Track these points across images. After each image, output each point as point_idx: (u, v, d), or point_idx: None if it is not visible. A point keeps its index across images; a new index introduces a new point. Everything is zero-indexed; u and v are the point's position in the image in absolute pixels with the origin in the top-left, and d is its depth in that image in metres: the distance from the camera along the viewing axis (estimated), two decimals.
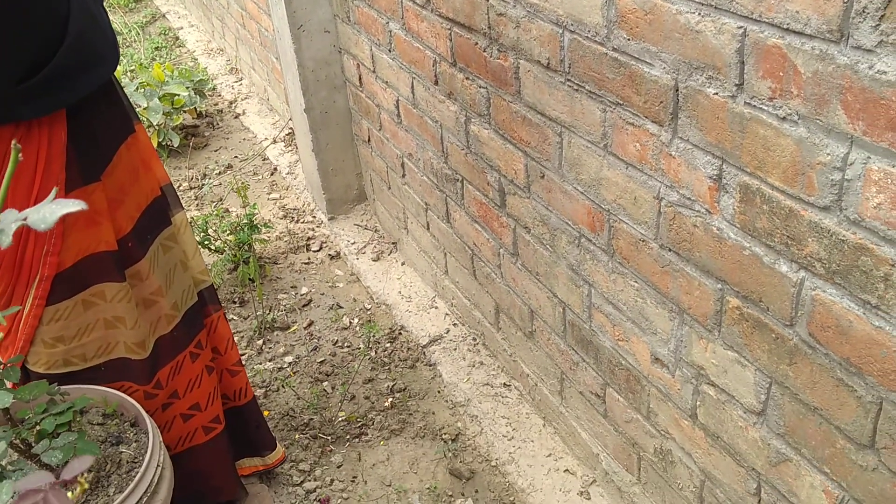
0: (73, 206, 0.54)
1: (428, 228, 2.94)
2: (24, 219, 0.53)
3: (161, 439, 1.76)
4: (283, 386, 2.76)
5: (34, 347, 1.67)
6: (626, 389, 1.97)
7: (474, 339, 2.86)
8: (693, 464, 1.79)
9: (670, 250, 1.60)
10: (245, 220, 3.21)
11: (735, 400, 1.57)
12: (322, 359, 2.90)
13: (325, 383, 2.80)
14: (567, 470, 2.37)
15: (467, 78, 2.19)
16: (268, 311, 3.14)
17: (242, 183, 3.63)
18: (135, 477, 1.63)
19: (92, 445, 1.43)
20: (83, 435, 1.43)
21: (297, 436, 2.58)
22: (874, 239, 1.13)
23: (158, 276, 1.85)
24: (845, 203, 1.15)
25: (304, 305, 3.20)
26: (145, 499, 1.62)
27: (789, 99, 1.19)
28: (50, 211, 0.52)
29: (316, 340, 3.00)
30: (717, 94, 1.32)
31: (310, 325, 3.09)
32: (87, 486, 0.70)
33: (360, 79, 3.09)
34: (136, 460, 1.71)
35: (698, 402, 1.69)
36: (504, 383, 2.68)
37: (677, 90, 1.41)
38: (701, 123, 1.38)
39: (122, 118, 1.72)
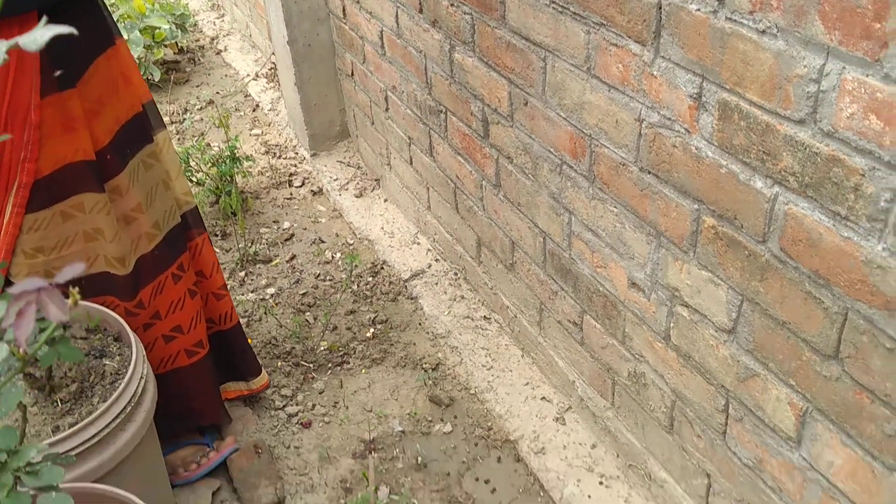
0: (64, 29, 0.54)
1: (411, 163, 2.95)
2: (16, 43, 0.54)
3: (144, 353, 1.78)
4: (265, 315, 2.79)
5: (15, 258, 1.68)
6: (603, 316, 2.01)
7: (456, 274, 2.90)
8: (665, 385, 1.84)
9: (649, 173, 1.63)
10: (227, 153, 3.19)
11: (707, 319, 1.61)
12: (304, 291, 2.93)
13: (308, 314, 2.83)
14: (544, 397, 2.42)
15: (452, 4, 2.18)
16: (250, 244, 3.15)
17: (225, 112, 3.60)
18: (118, 387, 1.65)
19: (75, 350, 1.45)
20: (66, 341, 1.45)
21: (279, 363, 2.61)
22: (846, 150, 1.16)
23: (138, 193, 1.85)
24: (820, 115, 1.18)
25: (286, 240, 3.21)
26: (129, 408, 1.65)
27: (769, 12, 1.20)
28: (41, 34, 0.53)
29: (298, 273, 3.02)
30: (699, 9, 1.33)
31: (292, 258, 3.11)
32: (78, 297, 0.70)
33: (343, 10, 3.06)
34: (119, 373, 1.74)
35: (672, 324, 1.74)
36: (484, 316, 2.72)
37: (660, 8, 1.42)
38: (683, 41, 1.40)
39: (102, 30, 1.71)
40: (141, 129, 1.84)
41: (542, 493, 2.17)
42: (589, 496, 2.12)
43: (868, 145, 1.12)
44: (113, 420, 1.61)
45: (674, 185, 1.56)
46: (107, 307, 1.82)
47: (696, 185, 1.50)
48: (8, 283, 1.75)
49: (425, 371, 2.57)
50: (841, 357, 1.30)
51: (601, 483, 2.14)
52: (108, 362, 1.76)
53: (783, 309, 1.39)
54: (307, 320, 2.80)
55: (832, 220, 1.22)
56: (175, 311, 2.03)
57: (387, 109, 2.98)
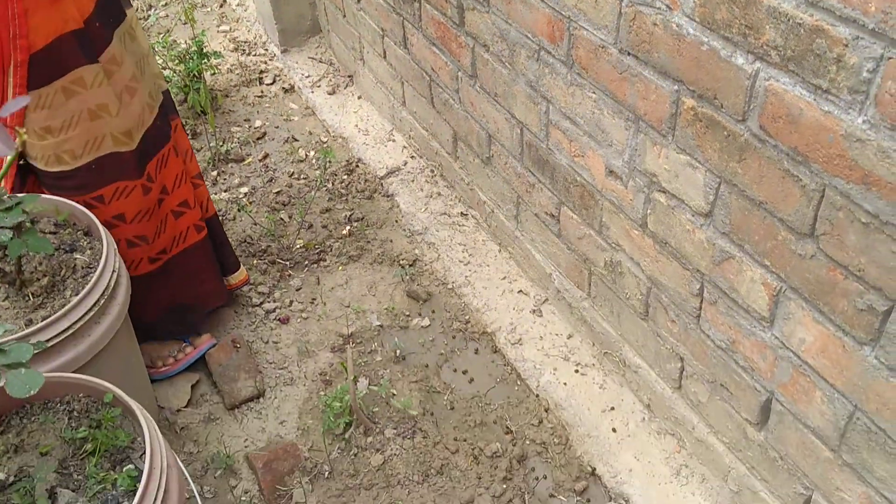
0: None
1: (385, 57, 2.86)
2: None
3: (116, 247, 1.76)
4: (239, 213, 2.76)
5: (29, 139, 1.68)
6: (581, 206, 2.00)
7: (432, 171, 2.86)
8: (641, 272, 1.85)
9: (629, 54, 1.58)
10: (194, 48, 3.08)
11: (684, 204, 1.60)
12: (278, 189, 2.89)
13: (282, 213, 2.79)
14: (521, 291, 2.44)
15: None
16: (221, 144, 3.08)
17: (189, 6, 3.46)
18: (91, 280, 1.63)
19: (44, 241, 1.42)
20: (34, 231, 1.41)
21: (255, 261, 2.60)
22: (830, 19, 1.12)
23: (131, 63, 1.84)
24: None
25: (258, 138, 3.14)
26: (103, 301, 1.63)
27: None
28: None
29: (271, 172, 2.97)
30: None
31: (265, 157, 3.05)
32: (25, 136, 0.67)
33: None
34: (90, 266, 1.71)
35: (649, 211, 1.73)
36: (461, 212, 2.71)
37: None
38: None
39: None
40: (116, 2, 1.82)
41: (518, 382, 2.21)
42: (565, 383, 2.16)
43: (853, 13, 1.09)
44: (87, 313, 1.60)
45: (654, 66, 1.52)
46: (120, 193, 1.84)
47: (677, 65, 1.46)
48: (27, 166, 1.77)
49: (402, 267, 2.56)
50: (816, 235, 1.30)
51: (577, 371, 2.18)
52: (78, 256, 1.73)
53: (760, 189, 1.38)
54: (282, 219, 2.77)
55: (813, 94, 1.20)
56: (180, 186, 2.05)
57: (359, 0, 2.87)
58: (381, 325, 2.39)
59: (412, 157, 2.94)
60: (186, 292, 2.16)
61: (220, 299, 2.32)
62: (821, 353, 1.40)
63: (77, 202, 1.79)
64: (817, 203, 1.27)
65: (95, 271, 1.65)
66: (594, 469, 1.98)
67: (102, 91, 1.73)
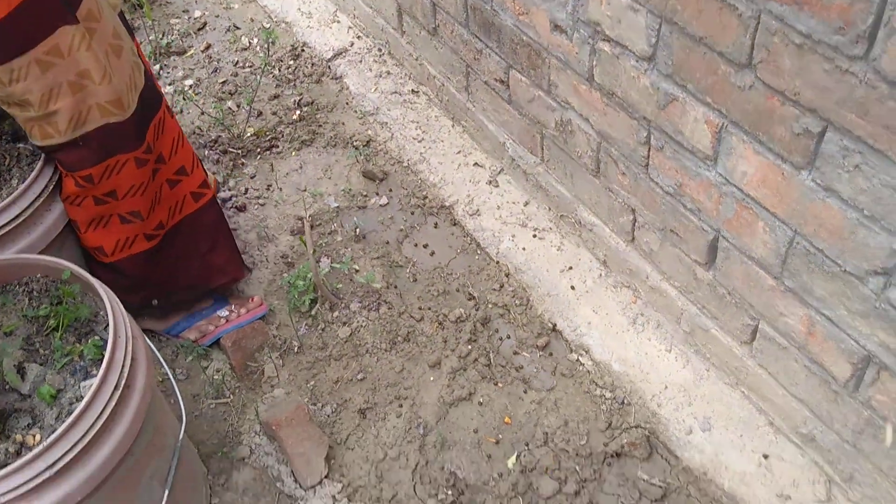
0: None
1: None
2: None
3: None
4: (186, 103, 2.70)
5: (10, 109, 1.51)
6: (528, 67, 2.00)
7: (379, 50, 2.81)
8: (590, 128, 1.87)
9: None
10: None
11: (628, 51, 1.61)
12: (224, 79, 2.82)
13: (230, 102, 2.74)
14: (476, 163, 2.45)
15: None
16: (161, 37, 2.98)
17: None
18: (36, 167, 1.61)
19: None
20: None
21: (206, 152, 2.56)
22: None
23: (109, 15, 1.60)
24: None
25: (199, 29, 3.05)
26: (52, 186, 1.62)
27: None
28: None
29: (215, 63, 2.90)
30: None
31: (207, 48, 2.96)
32: None
33: None
34: (35, 154, 1.68)
35: (595, 63, 1.73)
36: (412, 90, 2.68)
37: None
38: None
39: None
40: None
41: (478, 251, 2.26)
42: (524, 248, 2.20)
43: None
44: (37, 198, 1.58)
45: None
46: (118, 166, 1.64)
47: None
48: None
49: (356, 149, 2.55)
50: (754, 64, 1.32)
51: (535, 236, 2.23)
52: (22, 145, 1.70)
53: (700, 24, 1.39)
54: (230, 108, 2.72)
55: None
56: (177, 151, 1.83)
57: None
58: (338, 207, 2.40)
59: (358, 37, 2.88)
60: (195, 268, 1.96)
61: (237, 273, 2.08)
62: (762, 184, 1.44)
63: (67, 180, 1.63)
64: (754, 30, 1.28)
65: (40, 158, 1.62)
66: (555, 325, 2.05)
67: (83, 56, 1.50)
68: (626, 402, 1.87)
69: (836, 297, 1.40)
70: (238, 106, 2.72)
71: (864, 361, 1.42)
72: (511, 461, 1.82)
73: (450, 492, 1.77)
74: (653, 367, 1.91)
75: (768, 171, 1.41)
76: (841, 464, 1.60)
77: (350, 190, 2.44)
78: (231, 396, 1.92)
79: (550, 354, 2.02)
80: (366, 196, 2.43)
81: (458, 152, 2.49)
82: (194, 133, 2.62)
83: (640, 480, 1.78)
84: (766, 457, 1.72)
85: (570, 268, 2.13)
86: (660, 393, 1.86)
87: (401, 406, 1.91)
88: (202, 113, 2.67)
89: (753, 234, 1.52)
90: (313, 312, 2.07)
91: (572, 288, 2.09)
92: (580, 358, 1.98)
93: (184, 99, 2.69)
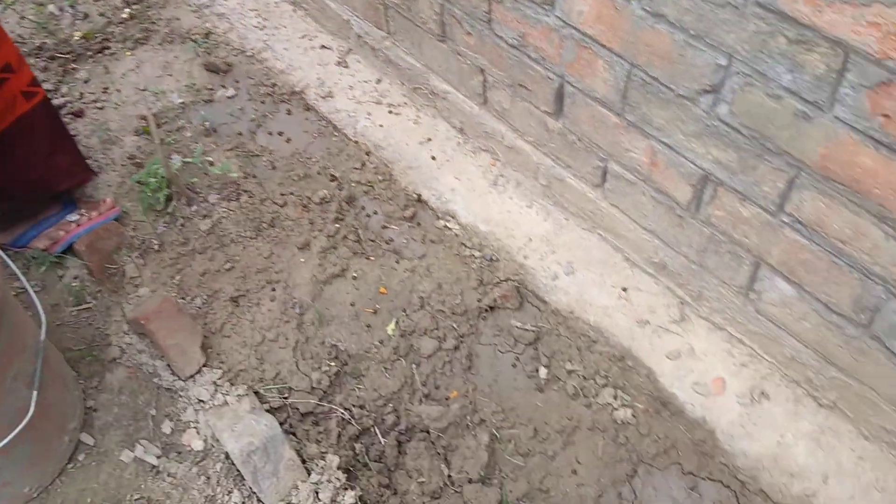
0: None
1: None
2: None
3: None
4: (3, 11, 2.47)
5: None
6: None
7: None
8: None
9: None
10: None
11: None
12: None
13: (50, 6, 2.53)
14: (323, 46, 2.39)
15: None
16: None
17: None
18: None
19: None
20: None
21: (32, 60, 2.37)
22: None
23: None
24: None
25: None
26: None
27: None
28: None
29: None
30: None
31: None
32: None
33: None
34: None
35: None
36: None
37: None
38: None
39: None
40: None
41: (336, 133, 2.23)
42: (381, 125, 2.19)
43: None
44: None
45: None
46: None
47: None
48: None
49: (195, 42, 2.43)
50: None
51: (391, 112, 2.22)
52: None
53: None
54: (52, 13, 2.51)
55: None
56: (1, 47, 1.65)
57: None
58: (184, 103, 2.29)
59: None
60: (35, 171, 1.82)
61: (83, 176, 1.98)
62: (597, 20, 1.48)
63: None
64: None
65: None
66: (420, 196, 2.07)
67: None
68: (494, 258, 1.94)
69: (673, 123, 1.48)
70: (60, 10, 2.51)
71: (701, 181, 1.52)
72: (390, 328, 1.86)
73: (332, 363, 1.80)
74: (516, 223, 1.97)
75: (601, 5, 1.45)
76: (690, 284, 1.73)
77: (194, 85, 2.33)
78: (93, 301, 1.84)
79: (418, 224, 2.05)
80: (211, 89, 2.33)
81: (303, 36, 2.42)
82: (16, 42, 2.39)
83: (513, 328, 1.86)
84: (624, 289, 1.83)
85: (429, 139, 2.15)
86: (525, 246, 1.93)
87: (273, 290, 1.90)
88: (22, 18, 2.45)
89: (594, 73, 1.58)
90: (170, 209, 2.00)
91: (433, 158, 2.11)
92: (447, 224, 2.02)
93: (4, 10, 2.46)
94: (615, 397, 1.73)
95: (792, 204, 1.37)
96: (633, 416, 1.70)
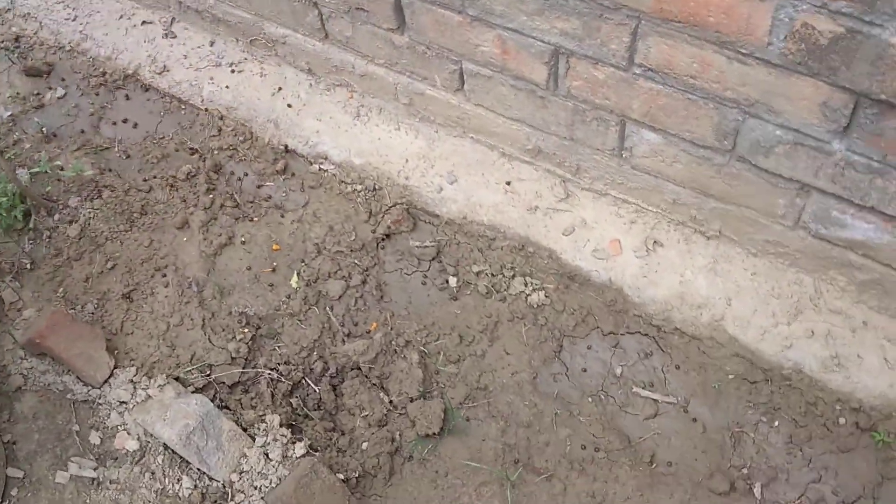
0: None
1: None
2: None
3: None
4: None
5: None
6: None
7: None
8: None
9: None
10: None
11: None
12: None
13: None
14: (144, 21, 2.27)
15: None
16: None
17: None
18: None
19: None
20: None
21: None
22: None
23: None
24: None
25: None
26: None
27: None
28: None
29: None
30: None
31: None
32: None
33: None
34: None
35: None
36: None
37: None
38: None
39: None
40: None
41: (183, 106, 2.14)
42: (227, 87, 2.12)
43: None
44: None
45: None
46: None
47: None
48: None
49: (7, 50, 2.26)
50: None
51: (234, 71, 2.15)
52: None
53: None
54: None
55: None
56: None
57: None
58: (13, 115, 2.14)
59: None
60: None
61: None
62: None
63: None
64: None
65: None
66: (286, 146, 2.03)
67: None
68: (377, 187, 1.94)
69: (513, 6, 1.50)
70: None
71: (553, 56, 1.56)
72: (293, 281, 1.85)
73: (246, 330, 1.77)
74: (389, 148, 1.98)
75: None
76: (567, 161, 1.80)
77: (18, 94, 2.18)
78: None
79: (292, 174, 2.02)
80: (38, 94, 2.19)
81: (121, 17, 2.30)
82: None
83: (414, 248, 1.88)
84: (508, 183, 1.88)
85: (280, 88, 2.10)
86: (403, 168, 1.95)
87: (164, 276, 1.84)
88: None
89: None
90: (31, 224, 1.89)
91: (289, 106, 2.07)
92: (321, 166, 2.00)
93: None
94: (526, 284, 1.79)
95: (640, 55, 1.44)
96: (546, 296, 1.77)
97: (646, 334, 1.72)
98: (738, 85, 1.36)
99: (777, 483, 1.55)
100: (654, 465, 1.60)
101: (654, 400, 1.66)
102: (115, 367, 1.67)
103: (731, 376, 1.64)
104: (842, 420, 1.56)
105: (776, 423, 1.59)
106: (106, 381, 1.65)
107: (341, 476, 1.61)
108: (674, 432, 1.63)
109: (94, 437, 1.61)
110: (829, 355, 1.59)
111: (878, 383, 1.55)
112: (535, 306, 1.77)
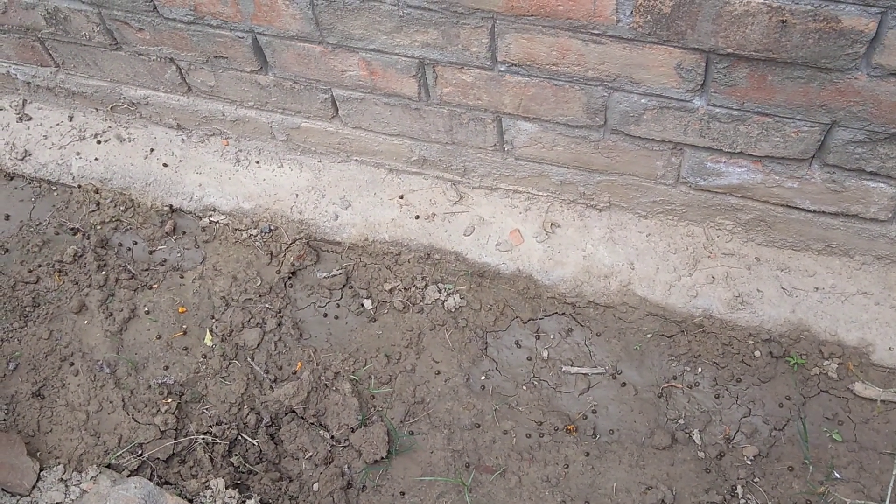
0: None
1: None
2: None
3: None
4: None
5: None
6: None
7: None
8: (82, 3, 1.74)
9: None
10: None
11: None
12: None
13: None
14: None
15: None
16: None
17: None
18: None
19: None
20: None
21: None
22: None
23: None
24: None
25: None
26: None
27: None
28: None
29: None
30: None
31: None
32: None
33: None
34: None
35: None
36: None
37: None
38: None
39: None
40: None
41: (53, 187, 2.07)
42: (96, 158, 2.06)
43: None
44: None
45: None
46: None
47: None
48: None
49: None
50: None
51: (99, 141, 2.08)
52: None
53: None
54: None
55: None
56: None
57: None
58: None
59: None
60: None
61: None
62: None
63: None
64: None
65: None
66: (171, 206, 1.99)
67: None
68: (272, 228, 1.92)
69: (371, 28, 1.53)
70: None
71: (419, 69, 1.60)
72: (207, 339, 1.81)
73: (170, 399, 1.72)
74: (276, 186, 1.97)
75: None
76: (453, 164, 1.83)
77: None
78: None
79: (183, 233, 1.98)
80: None
81: None
82: None
83: (322, 280, 1.88)
84: (401, 197, 1.90)
85: (152, 149, 2.05)
86: (295, 202, 1.94)
87: (72, 364, 1.77)
88: None
89: (280, 14, 1.58)
90: None
91: (165, 165, 2.03)
92: (211, 219, 1.97)
93: None
94: (439, 291, 1.81)
95: (501, 52, 1.49)
96: (462, 298, 1.80)
97: (563, 313, 1.77)
98: (597, 64, 1.43)
99: (712, 425, 1.63)
100: (598, 436, 1.66)
101: (584, 374, 1.72)
102: (41, 470, 1.59)
103: (649, 335, 1.72)
104: (757, 353, 1.65)
105: (699, 370, 1.67)
106: (34, 486, 1.57)
107: None
108: (609, 401, 1.69)
109: None
110: (732, 296, 1.68)
111: (781, 311, 1.66)
112: (453, 310, 1.80)
